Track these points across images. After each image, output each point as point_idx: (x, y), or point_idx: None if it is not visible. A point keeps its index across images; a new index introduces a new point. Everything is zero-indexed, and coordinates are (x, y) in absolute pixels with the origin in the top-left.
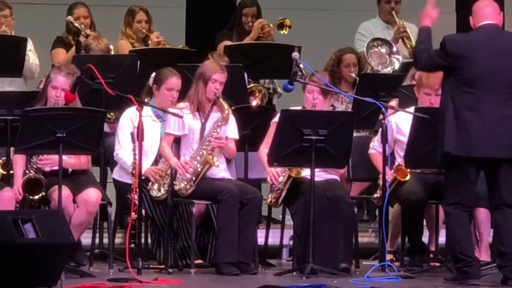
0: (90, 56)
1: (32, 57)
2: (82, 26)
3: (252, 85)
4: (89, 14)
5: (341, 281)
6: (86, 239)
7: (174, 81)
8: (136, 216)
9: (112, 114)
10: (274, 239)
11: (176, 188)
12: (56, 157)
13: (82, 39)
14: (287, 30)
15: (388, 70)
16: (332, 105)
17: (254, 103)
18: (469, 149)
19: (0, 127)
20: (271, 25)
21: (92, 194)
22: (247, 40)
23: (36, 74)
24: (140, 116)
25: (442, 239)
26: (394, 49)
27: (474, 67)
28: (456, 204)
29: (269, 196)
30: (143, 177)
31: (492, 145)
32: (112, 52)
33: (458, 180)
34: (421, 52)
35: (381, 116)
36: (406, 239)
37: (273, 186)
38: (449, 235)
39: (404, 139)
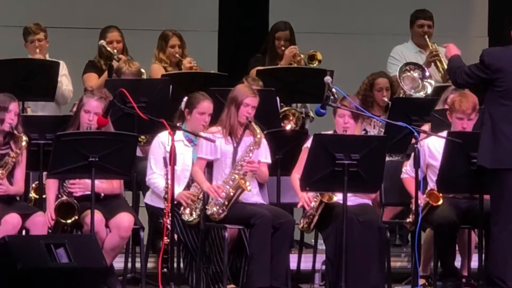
0: (122, 80)
1: (65, 82)
2: (115, 50)
3: (285, 108)
4: (121, 38)
5: None
6: (118, 263)
7: (206, 105)
8: (168, 240)
9: (143, 137)
10: (306, 263)
11: (208, 212)
12: (87, 181)
13: (114, 63)
14: (317, 63)
15: (421, 94)
16: (365, 129)
17: (288, 127)
18: (506, 160)
19: (33, 151)
20: (302, 55)
21: (124, 219)
22: (279, 66)
23: (69, 100)
24: (173, 140)
25: (474, 263)
26: (427, 73)
27: (510, 79)
28: (503, 226)
29: (301, 221)
30: (175, 202)
31: None
32: (145, 76)
33: (500, 196)
34: (456, 68)
35: (413, 141)
36: (439, 263)
37: (305, 211)
38: (493, 258)
39: (437, 163)
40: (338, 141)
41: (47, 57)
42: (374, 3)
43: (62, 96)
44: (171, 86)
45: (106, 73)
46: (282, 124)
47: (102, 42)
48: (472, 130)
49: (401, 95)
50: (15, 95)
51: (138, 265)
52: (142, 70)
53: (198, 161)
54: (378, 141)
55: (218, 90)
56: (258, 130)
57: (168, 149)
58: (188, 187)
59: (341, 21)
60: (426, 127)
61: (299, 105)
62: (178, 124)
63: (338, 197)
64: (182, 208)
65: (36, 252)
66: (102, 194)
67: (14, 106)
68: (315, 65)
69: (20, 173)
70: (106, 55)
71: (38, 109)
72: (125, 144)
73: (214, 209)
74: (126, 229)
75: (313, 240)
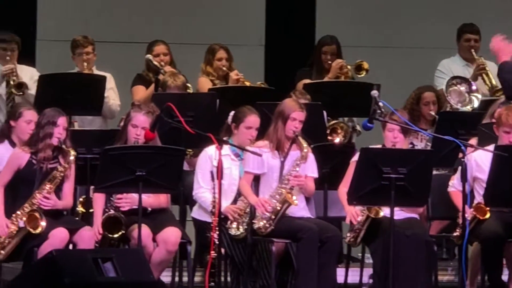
0: (169, 95)
1: (112, 96)
2: (162, 63)
3: (334, 122)
4: (168, 52)
5: None
6: (165, 277)
7: (252, 119)
8: (215, 254)
9: (189, 150)
10: (353, 277)
11: (255, 226)
12: (135, 196)
13: (161, 77)
14: (365, 73)
15: (468, 108)
16: (411, 143)
17: (337, 140)
18: None
19: (80, 166)
20: (348, 66)
21: (172, 233)
22: (325, 79)
23: (116, 114)
24: (220, 154)
25: None
26: (474, 87)
27: None
28: None
29: (348, 235)
30: (222, 216)
31: None
32: (191, 90)
33: None
34: (509, 80)
35: (460, 154)
36: (486, 277)
37: (352, 225)
38: None
39: (484, 177)
40: (385, 155)
41: (95, 71)
42: (422, 17)
43: (109, 111)
44: (218, 100)
45: (152, 86)
46: (330, 138)
47: (149, 56)
48: None
49: (447, 109)
50: (62, 109)
51: (185, 279)
52: (188, 84)
53: (245, 175)
54: (425, 155)
55: (265, 104)
56: (305, 144)
57: (215, 163)
58: (235, 201)
59: (388, 34)
60: (473, 141)
61: (345, 119)
62: (225, 138)
63: (385, 212)
64: (229, 222)
65: (83, 266)
66: (149, 209)
67: (62, 121)
68: (362, 75)
69: (68, 187)
70: (153, 69)
71: (85, 123)
72: (172, 158)
73: (261, 223)
74: (173, 243)
75: (360, 254)
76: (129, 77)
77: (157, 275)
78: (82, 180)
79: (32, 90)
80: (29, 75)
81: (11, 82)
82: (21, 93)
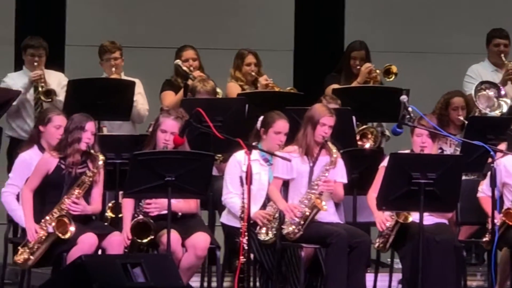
0: (198, 100)
1: (141, 101)
2: (191, 68)
3: (364, 127)
4: (197, 57)
5: None
6: (194, 283)
7: (282, 124)
8: (244, 260)
9: (219, 155)
10: (382, 283)
11: (284, 232)
12: (164, 201)
13: (190, 82)
14: (393, 77)
15: (496, 113)
16: (441, 148)
17: (367, 145)
18: None
19: (109, 171)
20: (377, 70)
21: (201, 238)
22: (354, 84)
23: (144, 119)
24: (249, 159)
25: None
26: (502, 92)
27: None
28: None
29: (377, 240)
30: (251, 221)
31: None
32: (220, 95)
33: None
34: None
35: (489, 160)
36: None
37: (381, 231)
38: None
39: None
40: (414, 160)
41: (123, 76)
42: (451, 22)
43: (138, 115)
44: (247, 105)
45: (181, 91)
46: (360, 143)
47: (178, 61)
48: None
49: (476, 114)
50: (91, 114)
51: (214, 284)
52: (218, 90)
53: (274, 181)
54: (454, 160)
55: (294, 109)
56: (334, 150)
57: (244, 168)
58: (264, 206)
59: (417, 40)
60: (502, 146)
61: (374, 124)
62: (254, 144)
63: (414, 217)
64: (258, 228)
65: (112, 271)
66: (179, 214)
67: (90, 126)
68: (391, 79)
69: (97, 192)
70: (182, 74)
71: (114, 128)
72: (201, 164)
73: (290, 228)
74: (202, 249)
75: (389, 259)
76: (157, 83)
77: (186, 280)
78: (111, 185)
79: (60, 95)
80: (57, 80)
81: (40, 89)
82: (49, 99)
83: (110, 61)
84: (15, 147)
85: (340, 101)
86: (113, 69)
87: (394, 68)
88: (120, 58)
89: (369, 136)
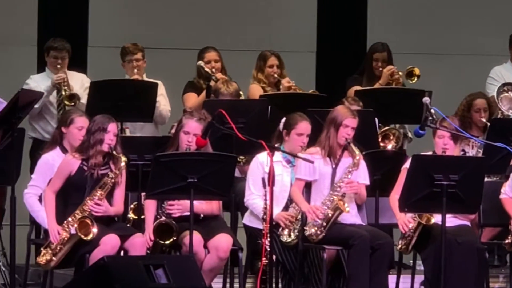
0: (220, 101)
1: (163, 102)
2: (213, 70)
3: (386, 128)
4: (219, 58)
5: None
6: (217, 284)
7: (304, 126)
8: (267, 261)
9: (242, 157)
10: (405, 284)
11: (306, 233)
12: (186, 202)
13: (212, 83)
14: (416, 79)
15: None
16: (463, 150)
17: (389, 146)
18: None
19: (131, 172)
20: (400, 73)
21: (223, 240)
22: (376, 86)
23: (167, 120)
24: (271, 161)
25: None
26: None
27: None
28: None
29: (400, 242)
30: (273, 223)
31: None
32: (243, 97)
33: None
34: None
35: None
36: None
37: (404, 232)
38: None
39: None
40: (437, 162)
41: (144, 78)
42: (473, 24)
43: (160, 116)
44: (269, 107)
45: (204, 93)
46: (382, 144)
47: (200, 62)
48: None
49: (499, 116)
50: (113, 116)
51: (236, 285)
52: (241, 92)
53: (296, 182)
54: (477, 162)
55: (316, 111)
56: (357, 151)
57: (266, 170)
58: (286, 208)
59: (439, 41)
60: None
61: (397, 126)
62: (276, 145)
63: (436, 219)
64: (280, 229)
65: (135, 273)
66: (202, 215)
67: (112, 127)
68: (414, 81)
69: (119, 193)
70: (205, 76)
71: (136, 130)
72: (224, 165)
73: (313, 230)
74: (224, 250)
75: (411, 261)
76: (179, 84)
77: (208, 282)
78: (134, 186)
79: (83, 97)
80: (79, 81)
81: (63, 93)
82: (72, 103)
83: (132, 63)
84: (38, 148)
85: (362, 103)
86: (135, 70)
87: (416, 71)
88: (142, 60)
89: (391, 137)
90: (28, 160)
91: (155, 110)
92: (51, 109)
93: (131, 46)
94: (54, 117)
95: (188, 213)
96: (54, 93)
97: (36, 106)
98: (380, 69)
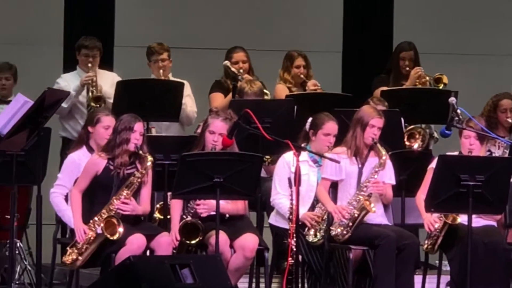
0: (247, 101)
1: (190, 103)
2: (241, 70)
3: (411, 127)
4: (247, 59)
5: None
6: (242, 284)
7: (330, 126)
8: (293, 261)
9: (267, 156)
10: (431, 285)
11: (332, 233)
12: (213, 202)
13: (239, 83)
14: (443, 86)
15: None
16: (489, 150)
17: (415, 145)
18: None
19: (158, 172)
20: (427, 77)
21: (249, 240)
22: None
23: (193, 121)
24: (298, 161)
25: None
26: None
27: None
28: None
29: (426, 242)
30: (299, 222)
31: None
32: (269, 96)
33: None
34: None
35: None
36: None
37: (430, 232)
38: None
39: None
40: (463, 162)
41: (170, 77)
42: (500, 24)
43: (187, 117)
44: (295, 107)
45: (230, 94)
46: (408, 143)
47: (227, 62)
48: None
49: None
50: (140, 115)
51: (262, 285)
52: (266, 91)
53: (322, 182)
54: (503, 162)
55: (343, 111)
56: (383, 152)
57: (293, 169)
58: (312, 207)
59: (466, 41)
60: None
61: (423, 126)
62: (302, 145)
63: (462, 219)
64: (306, 229)
65: (161, 272)
66: (227, 215)
67: (138, 126)
68: (441, 87)
69: (146, 193)
70: (231, 76)
71: (162, 129)
72: (250, 165)
73: (339, 230)
74: (250, 250)
75: (437, 261)
76: (205, 84)
77: (234, 281)
78: (160, 186)
79: (113, 97)
80: (110, 80)
81: (90, 94)
82: (98, 105)
83: (158, 63)
84: (68, 147)
85: (388, 103)
86: (161, 70)
87: (445, 78)
88: (168, 60)
89: (417, 136)
90: (59, 159)
91: (181, 112)
92: (81, 109)
93: (157, 46)
94: (84, 116)
95: (213, 213)
96: (84, 92)
97: (65, 105)
98: (407, 68)
